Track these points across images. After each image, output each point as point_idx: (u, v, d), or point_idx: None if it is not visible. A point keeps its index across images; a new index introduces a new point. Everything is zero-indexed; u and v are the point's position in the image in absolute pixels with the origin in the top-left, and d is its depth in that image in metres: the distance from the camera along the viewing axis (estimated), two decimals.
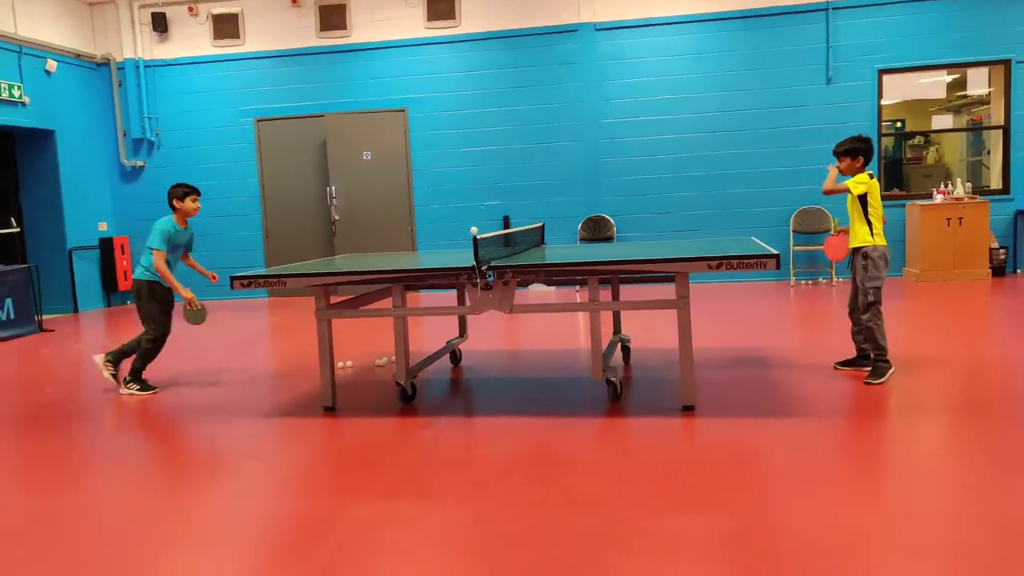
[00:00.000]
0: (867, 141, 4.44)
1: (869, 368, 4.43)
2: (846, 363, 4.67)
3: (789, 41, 9.08)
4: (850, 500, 2.84)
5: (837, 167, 4.46)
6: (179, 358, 6.33)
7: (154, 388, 5.06)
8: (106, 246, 10.20)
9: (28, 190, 9.79)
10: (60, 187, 9.70)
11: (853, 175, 4.40)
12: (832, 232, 4.70)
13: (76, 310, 9.83)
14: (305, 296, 9.30)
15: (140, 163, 10.45)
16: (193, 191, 5.03)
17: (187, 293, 4.94)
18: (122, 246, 10.33)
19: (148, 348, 5.00)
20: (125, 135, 10.43)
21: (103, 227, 10.41)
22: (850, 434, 3.62)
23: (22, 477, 3.60)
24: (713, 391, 4.37)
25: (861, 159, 4.41)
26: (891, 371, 4.33)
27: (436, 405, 4.50)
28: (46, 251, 9.74)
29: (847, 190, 4.38)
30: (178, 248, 5.04)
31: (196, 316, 5.02)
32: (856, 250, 4.43)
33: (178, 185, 5.02)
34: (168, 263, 4.91)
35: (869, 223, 4.35)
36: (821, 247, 8.58)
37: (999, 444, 3.35)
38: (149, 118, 10.35)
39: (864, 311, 4.36)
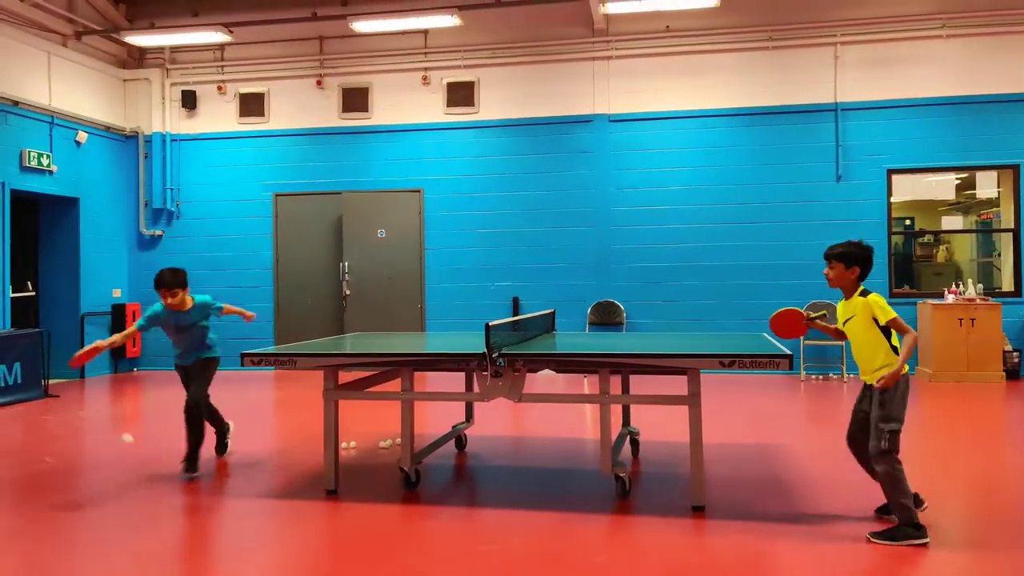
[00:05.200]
0: (868, 250, 3.65)
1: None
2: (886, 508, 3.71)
3: (799, 139, 9.29)
4: None
5: (825, 272, 3.70)
6: (178, 432, 6.25)
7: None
8: (118, 312, 10.26)
9: (46, 254, 9.93)
10: (79, 253, 9.84)
11: (844, 287, 3.67)
12: (812, 315, 3.90)
13: (83, 375, 9.79)
14: (312, 370, 9.25)
15: (159, 232, 10.62)
16: (159, 285, 4.81)
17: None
18: (134, 312, 10.38)
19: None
20: (147, 205, 10.66)
21: (117, 293, 10.50)
22: (865, 545, 3.49)
23: (12, 553, 3.49)
24: (724, 491, 4.26)
25: (857, 270, 3.61)
26: (921, 541, 3.39)
27: (440, 493, 4.40)
28: (59, 315, 9.79)
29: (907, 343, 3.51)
30: (186, 329, 4.96)
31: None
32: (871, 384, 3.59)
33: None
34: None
35: (894, 349, 3.56)
36: (831, 342, 8.52)
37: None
38: (172, 189, 10.59)
39: (877, 461, 3.52)
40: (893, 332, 3.61)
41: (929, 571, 3.22)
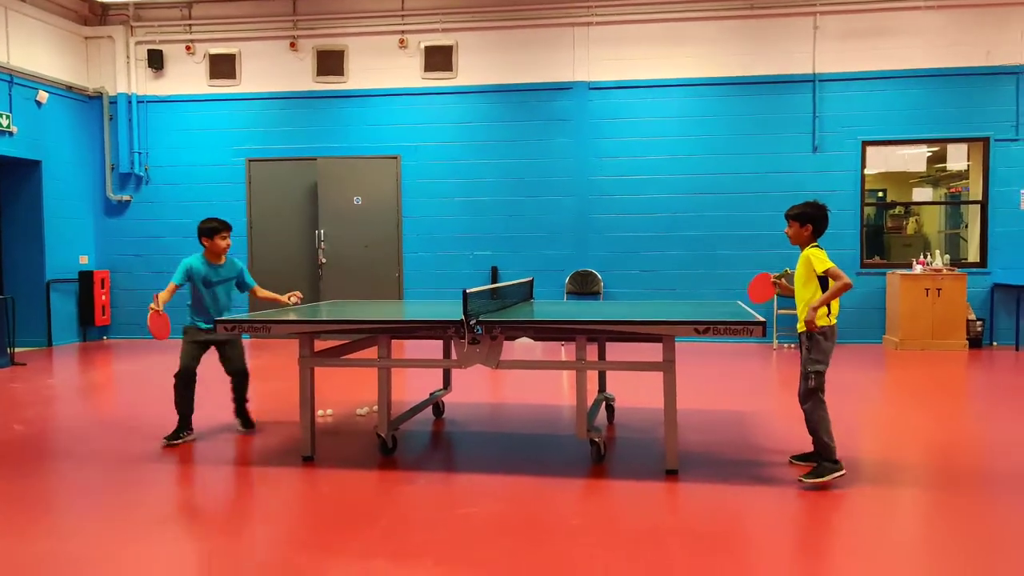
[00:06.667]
0: (821, 209, 3.94)
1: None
2: (804, 457, 4.10)
3: (778, 109, 9.31)
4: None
5: (786, 231, 4.04)
6: (151, 399, 6.18)
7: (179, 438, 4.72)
8: (85, 280, 10.04)
9: (9, 220, 9.66)
10: (43, 218, 9.57)
11: (801, 245, 3.99)
12: (775, 277, 4.21)
13: (50, 344, 9.61)
14: (287, 339, 9.18)
15: (126, 197, 10.38)
16: (222, 228, 4.86)
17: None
18: (102, 280, 10.18)
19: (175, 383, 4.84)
20: (113, 169, 10.39)
21: (84, 260, 10.27)
22: (833, 506, 3.58)
23: None
24: (697, 455, 4.33)
25: (810, 227, 3.92)
26: (839, 473, 3.75)
27: (417, 459, 4.42)
28: (23, 282, 9.56)
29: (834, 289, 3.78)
30: (212, 285, 4.83)
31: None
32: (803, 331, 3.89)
33: (207, 220, 4.87)
34: (197, 298, 4.82)
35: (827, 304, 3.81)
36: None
37: (977, 521, 3.33)
38: (139, 153, 10.32)
39: (804, 400, 3.85)
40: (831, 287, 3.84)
41: (900, 515, 3.32)
